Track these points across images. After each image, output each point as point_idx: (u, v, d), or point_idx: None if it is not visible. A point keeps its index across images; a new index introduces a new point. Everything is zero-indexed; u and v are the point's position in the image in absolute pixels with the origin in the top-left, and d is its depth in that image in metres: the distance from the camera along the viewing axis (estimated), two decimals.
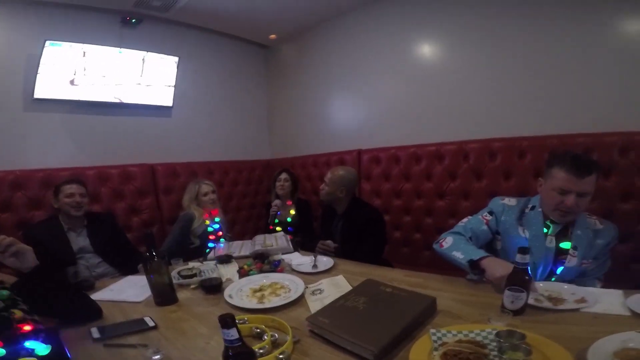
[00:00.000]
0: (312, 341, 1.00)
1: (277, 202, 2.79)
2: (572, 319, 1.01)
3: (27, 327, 0.87)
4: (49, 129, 2.59)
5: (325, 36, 3.37)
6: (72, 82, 2.57)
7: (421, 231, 2.59)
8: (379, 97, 3.03)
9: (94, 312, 1.22)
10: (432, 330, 0.92)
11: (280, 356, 0.89)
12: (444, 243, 1.46)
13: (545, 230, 1.40)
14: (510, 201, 1.53)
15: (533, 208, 1.46)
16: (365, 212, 2.08)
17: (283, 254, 1.86)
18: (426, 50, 2.72)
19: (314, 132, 3.57)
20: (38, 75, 2.43)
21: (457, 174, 2.40)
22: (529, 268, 1.08)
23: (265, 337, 0.96)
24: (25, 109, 2.48)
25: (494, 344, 0.84)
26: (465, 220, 1.57)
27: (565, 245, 1.36)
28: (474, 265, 1.29)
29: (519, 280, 1.05)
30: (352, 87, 3.21)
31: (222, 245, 2.16)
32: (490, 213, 1.53)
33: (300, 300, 1.28)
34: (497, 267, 1.21)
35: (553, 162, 1.34)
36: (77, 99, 2.62)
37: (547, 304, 1.09)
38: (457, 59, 2.55)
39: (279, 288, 1.38)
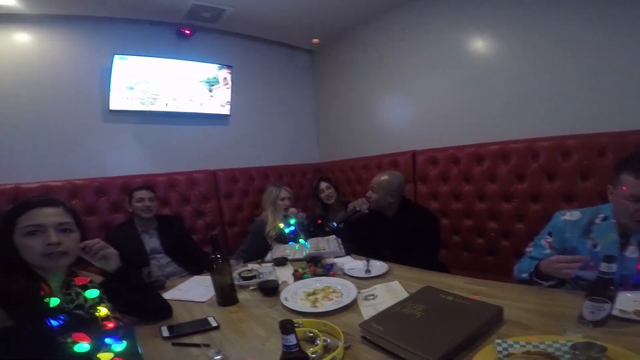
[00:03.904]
0: (363, 347, 0.99)
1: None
2: None
3: (110, 325, 0.97)
4: (124, 139, 2.86)
5: (369, 35, 3.29)
6: (138, 94, 2.79)
7: (484, 235, 2.42)
8: (432, 95, 2.89)
9: (166, 311, 1.33)
10: (498, 341, 0.86)
11: None
12: (515, 274, 1.44)
13: (620, 240, 1.25)
14: (573, 215, 1.40)
15: (605, 219, 1.31)
16: (416, 214, 2.05)
17: (335, 257, 1.86)
18: (481, 43, 2.55)
19: (363, 134, 3.51)
20: (111, 88, 2.67)
21: (526, 174, 2.21)
22: (614, 278, 0.97)
23: (318, 342, 0.97)
24: (104, 121, 2.76)
25: (568, 356, 0.76)
26: (528, 249, 1.50)
27: None
28: (539, 276, 1.25)
29: (603, 290, 0.95)
30: (402, 85, 3.10)
31: (307, 244, 2.10)
32: (550, 234, 1.43)
33: (352, 306, 1.27)
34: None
35: (620, 167, 1.21)
36: (144, 109, 2.85)
37: (633, 316, 0.98)
38: (517, 51, 2.35)
39: (331, 292, 1.38)
